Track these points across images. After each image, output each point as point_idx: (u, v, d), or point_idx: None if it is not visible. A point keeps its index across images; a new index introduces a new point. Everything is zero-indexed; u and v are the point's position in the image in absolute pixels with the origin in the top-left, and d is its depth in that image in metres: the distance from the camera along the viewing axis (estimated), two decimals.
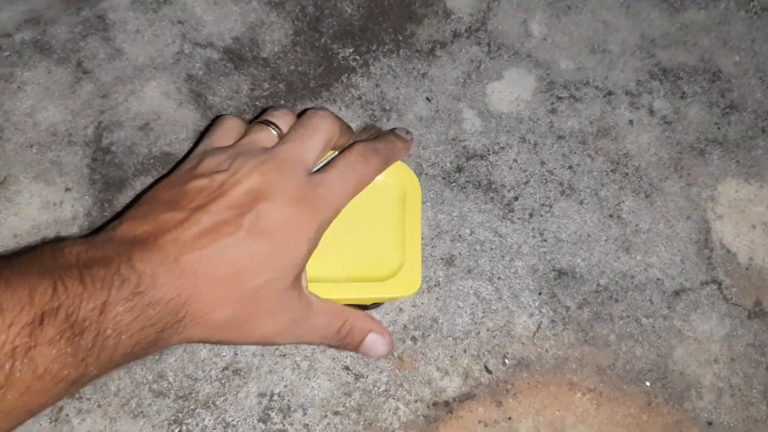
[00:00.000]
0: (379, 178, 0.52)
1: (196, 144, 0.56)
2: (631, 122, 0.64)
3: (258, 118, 0.51)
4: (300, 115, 0.51)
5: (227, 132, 0.50)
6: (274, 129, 0.49)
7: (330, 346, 0.50)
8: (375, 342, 0.48)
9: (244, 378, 0.53)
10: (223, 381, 0.53)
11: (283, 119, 0.50)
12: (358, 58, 0.66)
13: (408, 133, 0.54)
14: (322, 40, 0.67)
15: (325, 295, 0.48)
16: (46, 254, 0.38)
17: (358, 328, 0.48)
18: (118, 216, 0.46)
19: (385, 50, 0.67)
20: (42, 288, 0.35)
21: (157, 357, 0.53)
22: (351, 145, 0.50)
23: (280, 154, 0.47)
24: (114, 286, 0.37)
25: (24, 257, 0.37)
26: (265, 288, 0.43)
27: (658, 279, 0.58)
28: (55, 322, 0.34)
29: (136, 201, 0.46)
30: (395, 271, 0.50)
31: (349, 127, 0.52)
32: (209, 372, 0.53)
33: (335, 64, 0.66)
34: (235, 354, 0.54)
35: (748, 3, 0.71)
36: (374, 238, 0.52)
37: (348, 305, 0.49)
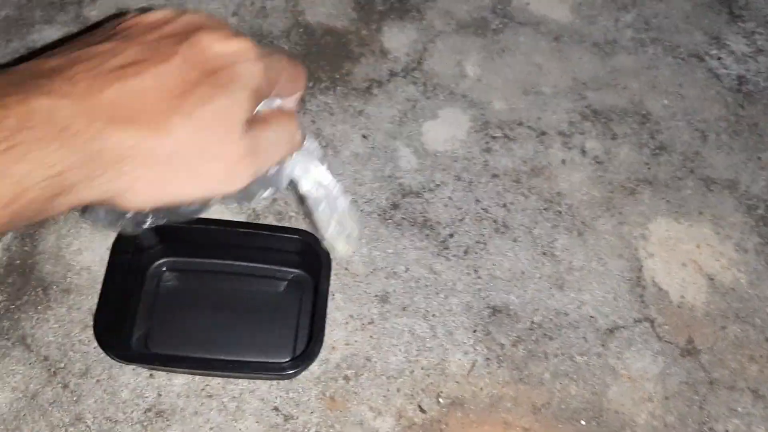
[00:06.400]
0: None
1: None
2: (563, 162, 0.65)
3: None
4: None
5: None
6: None
7: None
8: None
9: (167, 420, 0.51)
10: (144, 423, 0.51)
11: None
12: None
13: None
14: None
15: None
16: None
17: None
18: None
19: (321, 87, 0.67)
20: None
21: (75, 398, 0.51)
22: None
23: None
24: None
25: None
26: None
27: (591, 317, 0.58)
28: None
29: None
30: None
31: None
32: (130, 414, 0.51)
33: None
34: (159, 395, 0.52)
35: (675, 49, 0.74)
36: None
37: None
